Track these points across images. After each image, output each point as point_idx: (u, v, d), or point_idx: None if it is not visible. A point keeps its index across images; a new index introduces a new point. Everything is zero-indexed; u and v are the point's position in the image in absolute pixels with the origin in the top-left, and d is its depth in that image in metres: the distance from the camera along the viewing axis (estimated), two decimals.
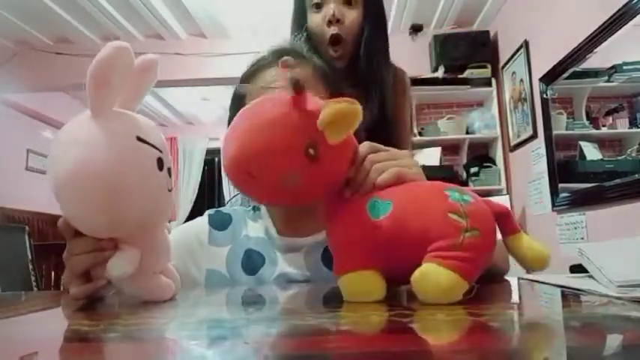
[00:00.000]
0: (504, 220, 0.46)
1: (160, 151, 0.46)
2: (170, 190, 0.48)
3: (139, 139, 0.44)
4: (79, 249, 0.48)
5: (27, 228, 2.05)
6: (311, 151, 0.43)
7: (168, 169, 0.47)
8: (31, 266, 1.95)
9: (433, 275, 0.41)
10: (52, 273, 2.62)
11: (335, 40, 1.00)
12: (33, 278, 1.91)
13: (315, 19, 1.03)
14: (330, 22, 1.00)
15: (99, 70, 0.41)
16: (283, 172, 0.43)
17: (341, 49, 1.01)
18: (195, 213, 4.95)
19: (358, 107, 0.43)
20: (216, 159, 5.35)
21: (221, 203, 5.36)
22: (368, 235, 0.45)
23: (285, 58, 0.50)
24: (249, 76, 0.74)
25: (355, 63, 1.03)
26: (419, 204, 0.45)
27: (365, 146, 0.52)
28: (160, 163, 0.46)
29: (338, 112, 0.42)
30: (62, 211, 0.45)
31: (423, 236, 0.43)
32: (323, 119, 0.42)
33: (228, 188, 5.09)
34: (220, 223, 0.76)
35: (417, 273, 0.42)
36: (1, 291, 1.50)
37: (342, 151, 0.47)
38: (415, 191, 0.48)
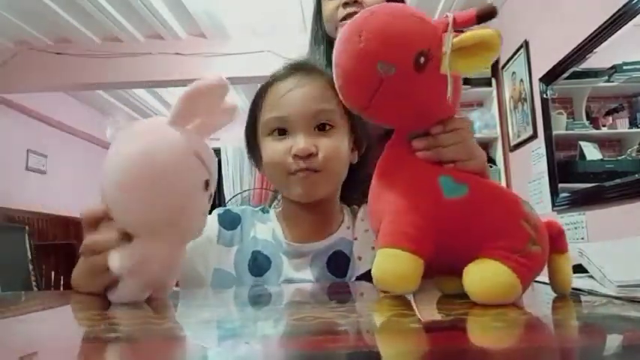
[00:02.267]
0: (558, 237, 0.46)
1: (210, 175, 0.48)
2: (205, 214, 0.49)
3: (197, 155, 0.46)
4: (101, 246, 0.47)
5: (27, 228, 2.05)
6: (421, 59, 0.41)
7: (210, 195, 0.49)
8: (31, 266, 1.96)
9: (492, 270, 0.40)
10: (52, 273, 2.62)
11: (348, 15, 0.92)
12: (33, 278, 1.92)
13: (329, 6, 0.97)
14: (345, 4, 0.93)
15: (194, 92, 0.44)
16: (388, 52, 0.41)
17: None
18: None
19: (499, 40, 0.41)
20: (216, 159, 5.35)
21: (221, 203, 5.35)
22: (434, 210, 0.43)
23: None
24: (264, 88, 0.75)
25: None
26: (497, 201, 0.45)
27: (463, 121, 0.51)
28: (207, 185, 0.47)
29: (477, 37, 0.41)
30: (103, 192, 0.46)
31: (490, 232, 0.42)
32: (462, 39, 0.41)
33: (229, 188, 5.08)
34: (229, 223, 0.76)
35: (474, 266, 0.41)
36: (1, 291, 1.50)
37: (443, 88, 0.43)
38: (493, 187, 0.47)
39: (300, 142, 0.67)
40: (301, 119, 0.69)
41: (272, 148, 0.70)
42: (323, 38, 1.00)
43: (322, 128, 0.70)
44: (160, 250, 0.47)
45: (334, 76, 0.47)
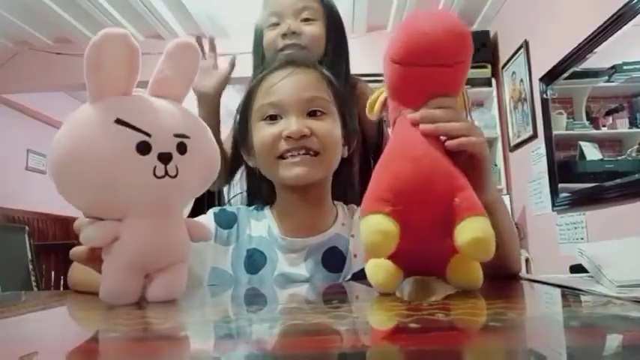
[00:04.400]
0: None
1: (148, 135, 0.43)
2: (162, 177, 0.44)
3: (120, 121, 0.43)
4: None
5: (27, 228, 2.05)
6: None
7: (161, 155, 0.44)
8: (31, 266, 1.95)
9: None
10: (52, 273, 2.62)
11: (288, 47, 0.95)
12: (33, 278, 1.91)
13: (270, 35, 0.99)
14: (284, 35, 0.95)
15: (91, 56, 0.43)
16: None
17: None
18: (197, 212, 4.93)
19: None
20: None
21: (221, 202, 5.33)
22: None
23: None
24: (258, 80, 0.76)
25: None
26: None
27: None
28: (143, 146, 0.43)
29: None
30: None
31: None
32: None
33: (228, 187, 5.07)
34: (226, 222, 0.76)
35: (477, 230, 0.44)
36: (1, 291, 1.50)
37: None
38: None
39: (292, 124, 0.68)
40: (294, 104, 0.70)
41: (263, 132, 0.71)
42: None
43: (314, 114, 0.70)
44: (128, 227, 0.45)
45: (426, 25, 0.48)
